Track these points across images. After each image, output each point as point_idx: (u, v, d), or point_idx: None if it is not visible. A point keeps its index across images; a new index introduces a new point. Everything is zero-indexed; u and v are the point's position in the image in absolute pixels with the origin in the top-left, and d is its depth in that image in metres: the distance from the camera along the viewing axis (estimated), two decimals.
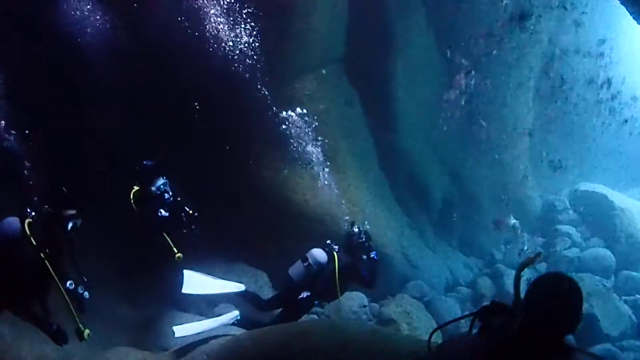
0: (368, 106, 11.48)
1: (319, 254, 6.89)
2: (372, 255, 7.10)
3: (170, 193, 7.27)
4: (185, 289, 6.80)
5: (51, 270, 4.76)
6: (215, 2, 8.10)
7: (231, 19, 8.20)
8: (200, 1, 8.14)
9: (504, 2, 11.70)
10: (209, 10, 8.08)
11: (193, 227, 7.44)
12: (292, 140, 9.87)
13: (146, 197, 7.13)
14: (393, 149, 12.27)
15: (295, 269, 6.93)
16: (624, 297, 10.47)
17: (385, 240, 11.29)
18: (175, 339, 6.84)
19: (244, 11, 8.18)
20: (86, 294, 5.07)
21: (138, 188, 7.21)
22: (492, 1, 11.86)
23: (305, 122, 9.90)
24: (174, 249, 7.08)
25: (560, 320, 2.33)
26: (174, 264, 7.19)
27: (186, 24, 7.96)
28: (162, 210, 7.15)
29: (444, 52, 12.00)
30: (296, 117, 9.69)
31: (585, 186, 13.92)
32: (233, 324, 6.84)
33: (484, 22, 12.05)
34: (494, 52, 12.48)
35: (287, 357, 5.13)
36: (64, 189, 5.24)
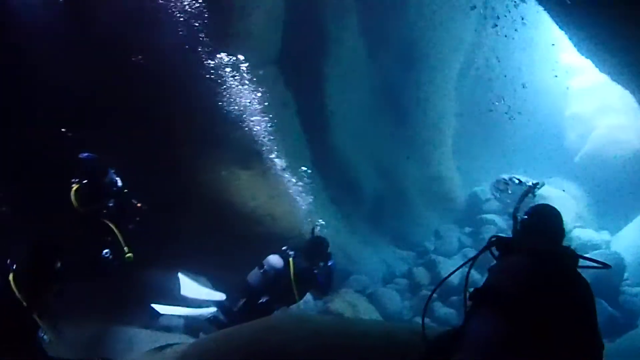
0: (302, 107, 11.59)
1: (274, 260, 6.87)
2: (330, 262, 7.08)
3: (120, 183, 6.55)
4: (184, 292, 6.83)
5: (42, 325, 4.29)
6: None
7: (170, 17, 7.99)
8: None
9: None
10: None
11: (138, 220, 6.76)
12: (230, 142, 9.79)
13: (96, 192, 6.36)
14: (326, 148, 12.46)
15: (253, 276, 6.91)
16: None
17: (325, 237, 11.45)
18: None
19: (184, 9, 8.00)
20: (45, 337, 4.50)
21: (78, 185, 6.32)
22: (419, 10, 12.38)
23: (244, 123, 9.87)
24: (125, 248, 6.61)
25: (562, 229, 3.17)
26: (122, 268, 6.82)
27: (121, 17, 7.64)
28: (110, 204, 6.44)
29: (373, 54, 12.35)
30: (234, 118, 9.63)
31: (504, 178, 14.66)
32: (209, 319, 6.88)
33: (412, 26, 12.53)
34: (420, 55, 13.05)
35: (264, 351, 5.05)
36: (51, 237, 4.80)
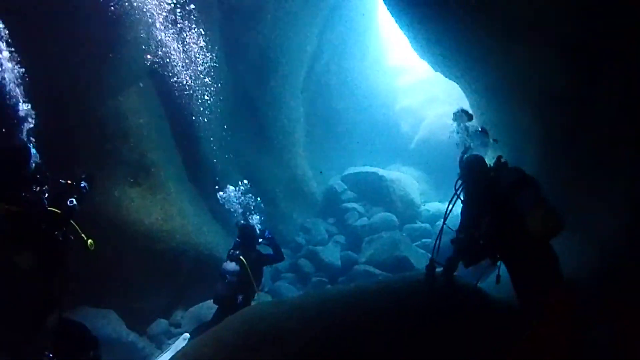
0: (173, 119, 11.12)
1: (230, 266, 7.15)
2: (266, 235, 7.62)
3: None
4: None
5: None
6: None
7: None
8: None
9: None
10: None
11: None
12: (119, 158, 9.02)
13: (23, 181, 5.18)
14: (197, 158, 12.11)
15: (220, 288, 7.15)
16: (414, 244, 12.33)
17: (215, 246, 11.16)
18: None
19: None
20: None
21: None
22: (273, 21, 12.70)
23: (131, 137, 9.17)
24: (83, 236, 5.47)
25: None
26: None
27: None
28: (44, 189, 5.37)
29: (232, 65, 12.32)
30: (123, 133, 8.90)
31: (354, 169, 15.78)
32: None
33: (265, 37, 12.79)
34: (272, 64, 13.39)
35: (261, 338, 4.99)
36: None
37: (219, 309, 7.26)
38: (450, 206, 5.43)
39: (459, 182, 5.43)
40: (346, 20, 15.40)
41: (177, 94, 11.00)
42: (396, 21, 10.91)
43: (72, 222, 5.56)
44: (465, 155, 5.66)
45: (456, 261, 5.40)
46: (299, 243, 13.77)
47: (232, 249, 7.36)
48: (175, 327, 9.69)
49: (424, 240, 12.60)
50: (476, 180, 5.26)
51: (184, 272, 10.27)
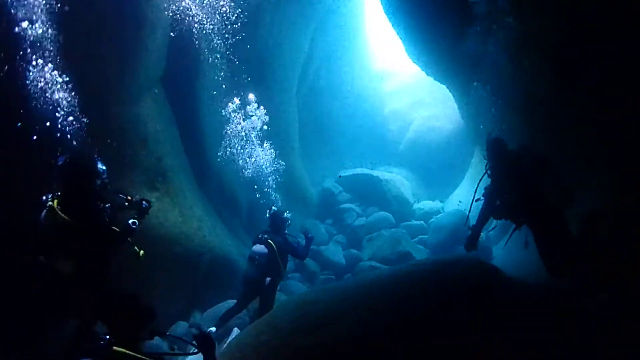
0: (180, 125, 11.20)
1: (259, 249, 7.47)
2: (309, 236, 8.40)
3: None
4: None
5: None
6: None
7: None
8: None
9: None
10: None
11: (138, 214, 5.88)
12: (138, 163, 9.07)
13: (90, 195, 5.27)
14: (204, 164, 12.21)
15: (249, 270, 7.49)
16: (412, 240, 12.69)
17: (228, 247, 11.27)
18: None
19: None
20: None
21: (57, 200, 5.08)
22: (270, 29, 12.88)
23: (147, 142, 9.24)
24: (136, 248, 5.60)
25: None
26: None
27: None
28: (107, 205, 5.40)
29: (234, 73, 12.48)
30: (142, 137, 8.97)
31: (347, 172, 16.09)
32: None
33: (263, 45, 12.98)
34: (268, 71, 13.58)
35: (318, 318, 5.25)
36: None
37: (244, 293, 7.57)
38: (479, 184, 6.49)
39: (488, 164, 6.40)
40: (335, 26, 15.75)
41: (185, 100, 11.20)
42: (394, 27, 11.33)
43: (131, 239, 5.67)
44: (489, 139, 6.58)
45: (479, 228, 6.38)
46: (300, 244, 13.93)
47: (260, 233, 7.75)
48: (195, 329, 9.72)
49: (420, 236, 12.97)
50: (499, 157, 6.24)
51: (200, 273, 10.34)
